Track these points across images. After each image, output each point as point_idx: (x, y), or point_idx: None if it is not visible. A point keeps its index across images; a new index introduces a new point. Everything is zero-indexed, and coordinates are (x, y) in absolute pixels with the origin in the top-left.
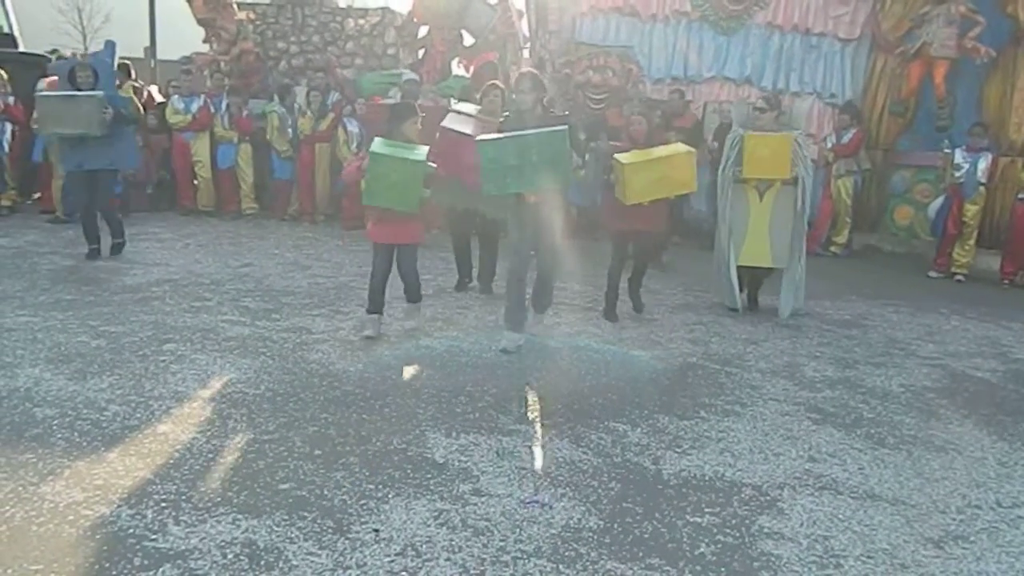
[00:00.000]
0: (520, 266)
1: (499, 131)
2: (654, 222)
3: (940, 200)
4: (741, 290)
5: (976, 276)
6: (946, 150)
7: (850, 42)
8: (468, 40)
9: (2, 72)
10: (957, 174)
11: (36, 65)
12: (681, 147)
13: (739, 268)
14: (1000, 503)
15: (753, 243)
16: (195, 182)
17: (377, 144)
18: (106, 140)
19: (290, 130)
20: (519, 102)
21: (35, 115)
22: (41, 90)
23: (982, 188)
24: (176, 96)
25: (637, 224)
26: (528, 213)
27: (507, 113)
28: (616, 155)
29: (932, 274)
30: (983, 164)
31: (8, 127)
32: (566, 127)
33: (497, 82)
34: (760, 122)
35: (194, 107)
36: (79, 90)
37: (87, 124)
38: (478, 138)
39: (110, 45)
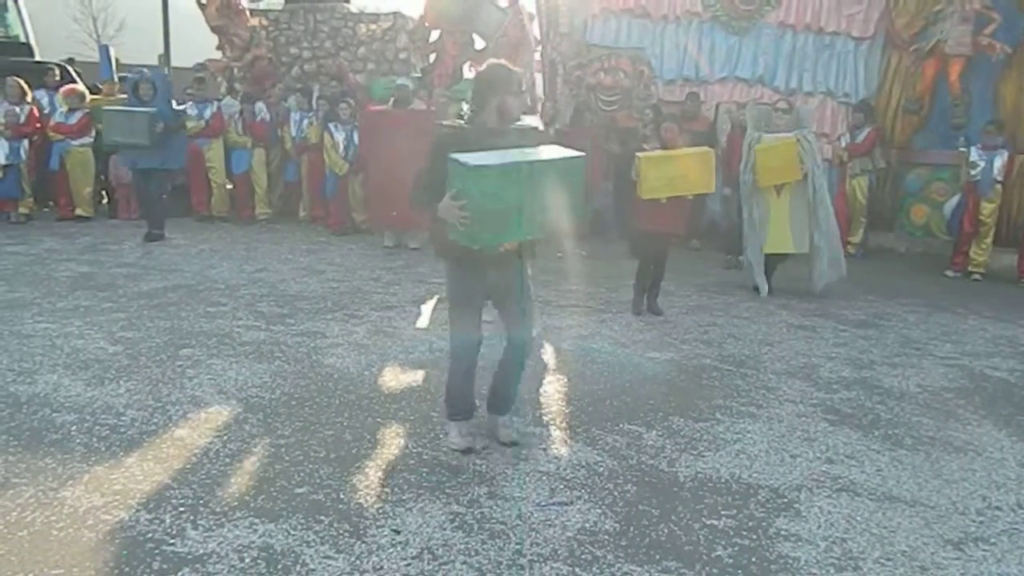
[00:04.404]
0: (471, 350)
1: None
2: (675, 224)
3: (956, 198)
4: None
5: (993, 275)
6: (961, 148)
7: (864, 40)
8: (479, 44)
9: (21, 82)
10: (973, 172)
11: (47, 73)
12: (700, 148)
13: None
14: (1021, 504)
15: (776, 233)
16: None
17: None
18: (157, 144)
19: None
20: (483, 114)
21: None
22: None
23: (999, 186)
24: (190, 102)
25: (658, 225)
26: (497, 265)
27: (460, 122)
28: (637, 154)
29: (949, 273)
30: (999, 162)
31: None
32: (583, 154)
33: None
34: (781, 123)
35: (207, 113)
36: (142, 101)
37: (139, 136)
38: (463, 159)
39: (104, 49)
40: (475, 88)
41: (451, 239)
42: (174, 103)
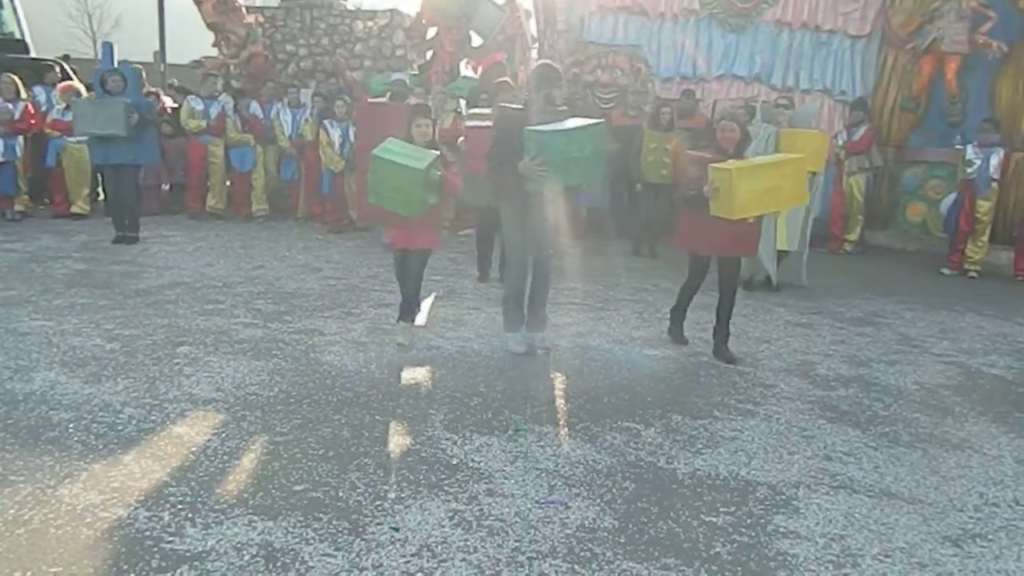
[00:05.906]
0: (523, 278)
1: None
2: (750, 244)
3: (952, 196)
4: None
5: (990, 272)
6: (958, 146)
7: (860, 38)
8: (476, 41)
9: (15, 78)
10: (969, 170)
11: (47, 70)
12: (790, 154)
13: None
14: (1018, 501)
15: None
16: (208, 184)
17: (384, 146)
18: (130, 138)
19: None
20: (536, 98)
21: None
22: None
23: (995, 184)
24: (193, 97)
25: (729, 247)
26: (538, 210)
27: (519, 107)
28: (713, 164)
29: (945, 271)
30: (995, 160)
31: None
32: (603, 121)
33: (507, 80)
34: (783, 119)
35: (213, 111)
36: (110, 94)
37: (115, 126)
38: (546, 128)
39: (107, 47)
40: (532, 79)
41: (529, 189)
42: (170, 100)
